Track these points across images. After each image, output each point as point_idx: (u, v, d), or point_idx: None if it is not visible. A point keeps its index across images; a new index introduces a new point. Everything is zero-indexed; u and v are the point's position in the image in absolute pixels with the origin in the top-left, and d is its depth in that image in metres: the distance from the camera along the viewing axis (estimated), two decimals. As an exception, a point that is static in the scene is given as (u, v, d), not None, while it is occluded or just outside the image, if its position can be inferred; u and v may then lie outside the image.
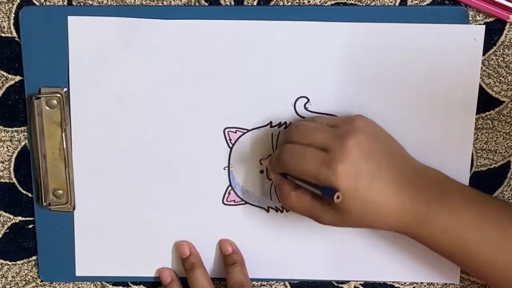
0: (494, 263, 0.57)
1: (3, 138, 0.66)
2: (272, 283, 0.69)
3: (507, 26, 0.62)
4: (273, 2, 0.62)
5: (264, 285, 0.69)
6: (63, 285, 0.70)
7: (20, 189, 0.67)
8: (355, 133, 0.56)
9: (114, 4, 0.63)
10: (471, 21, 0.62)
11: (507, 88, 0.64)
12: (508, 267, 0.57)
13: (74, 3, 0.62)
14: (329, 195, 0.54)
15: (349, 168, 0.55)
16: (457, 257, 0.58)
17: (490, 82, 0.64)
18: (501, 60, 0.63)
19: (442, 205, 0.57)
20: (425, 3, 0.62)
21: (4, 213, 0.68)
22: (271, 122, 0.65)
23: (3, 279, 0.69)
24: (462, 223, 0.57)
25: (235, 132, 0.65)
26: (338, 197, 0.54)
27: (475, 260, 0.57)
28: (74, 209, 0.67)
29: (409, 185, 0.57)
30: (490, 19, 0.62)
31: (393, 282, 0.69)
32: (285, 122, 0.64)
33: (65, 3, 0.63)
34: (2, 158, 0.66)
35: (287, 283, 0.69)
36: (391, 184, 0.56)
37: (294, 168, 0.57)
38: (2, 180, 0.67)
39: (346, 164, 0.55)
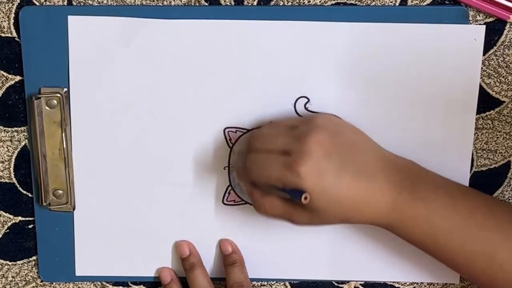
0: (464, 253, 0.57)
1: (3, 138, 0.66)
2: (272, 283, 0.69)
3: (507, 26, 0.62)
4: (273, 2, 0.62)
5: (264, 285, 0.69)
6: (63, 285, 0.70)
7: (20, 189, 0.67)
8: (314, 132, 0.56)
9: (114, 4, 0.63)
10: (471, 21, 0.62)
11: (507, 88, 0.64)
12: (477, 256, 0.57)
13: (74, 3, 0.62)
14: (297, 197, 0.54)
15: (312, 168, 0.54)
16: (428, 247, 0.58)
17: (490, 82, 0.64)
18: (501, 60, 0.63)
19: (412, 194, 0.57)
20: (425, 3, 0.62)
21: (4, 213, 0.68)
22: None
23: (3, 279, 0.69)
24: (432, 211, 0.57)
25: (235, 132, 0.65)
26: (306, 198, 0.54)
27: (445, 249, 0.57)
28: (74, 209, 0.67)
29: (378, 176, 0.56)
30: (490, 19, 0.62)
31: (393, 282, 0.69)
32: (285, 122, 0.64)
33: (65, 3, 0.63)
34: (2, 158, 0.66)
35: (287, 283, 0.69)
36: (358, 178, 0.56)
37: (259, 176, 0.58)
38: (2, 180, 0.67)
39: (308, 164, 0.55)
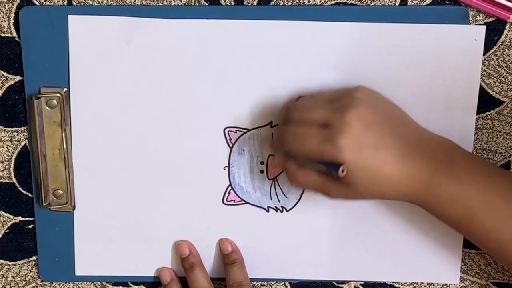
0: (499, 233, 0.56)
1: (3, 138, 0.66)
2: (272, 283, 0.69)
3: (507, 26, 0.62)
4: (273, 2, 0.62)
5: (264, 285, 0.69)
6: (63, 285, 0.70)
7: (20, 189, 0.67)
8: (354, 105, 0.56)
9: (114, 4, 0.63)
10: (471, 21, 0.62)
11: (507, 88, 0.64)
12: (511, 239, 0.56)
13: (74, 3, 0.62)
14: (334, 170, 0.54)
15: (351, 141, 0.54)
16: (463, 226, 0.58)
17: (490, 82, 0.64)
18: (501, 60, 0.63)
19: (448, 173, 0.56)
20: (425, 3, 0.62)
21: (4, 213, 0.68)
22: (271, 122, 0.65)
23: (3, 279, 0.69)
24: (467, 191, 0.56)
25: (235, 132, 0.65)
26: (343, 171, 0.54)
27: (480, 229, 0.57)
28: (74, 209, 0.67)
29: (414, 153, 0.56)
30: (490, 19, 0.62)
31: (393, 282, 0.69)
32: (285, 122, 0.64)
33: (65, 3, 0.63)
34: (2, 158, 0.66)
35: (287, 283, 0.69)
36: (395, 153, 0.55)
37: (297, 149, 0.57)
38: (2, 180, 0.67)
39: (347, 137, 0.54)
